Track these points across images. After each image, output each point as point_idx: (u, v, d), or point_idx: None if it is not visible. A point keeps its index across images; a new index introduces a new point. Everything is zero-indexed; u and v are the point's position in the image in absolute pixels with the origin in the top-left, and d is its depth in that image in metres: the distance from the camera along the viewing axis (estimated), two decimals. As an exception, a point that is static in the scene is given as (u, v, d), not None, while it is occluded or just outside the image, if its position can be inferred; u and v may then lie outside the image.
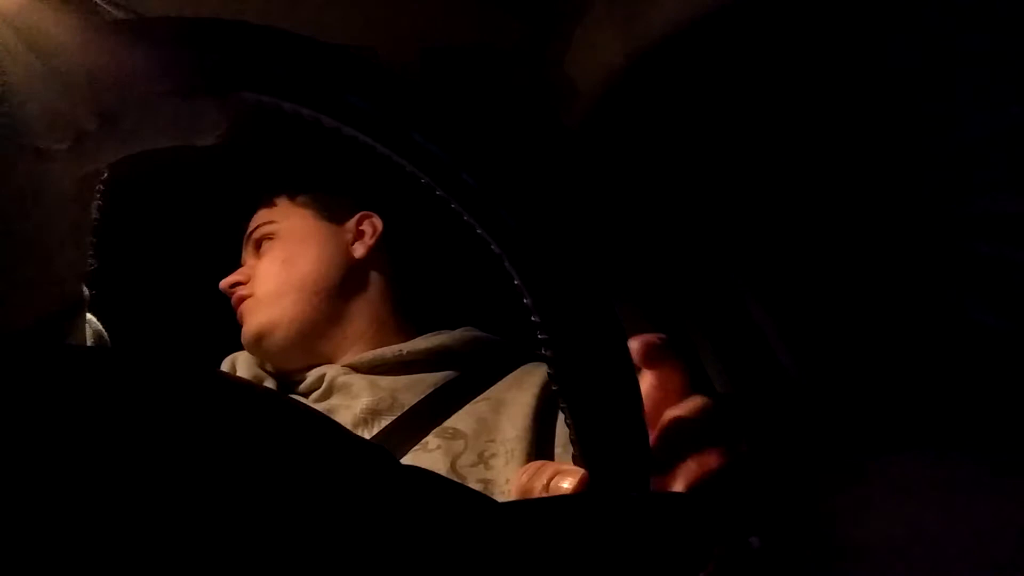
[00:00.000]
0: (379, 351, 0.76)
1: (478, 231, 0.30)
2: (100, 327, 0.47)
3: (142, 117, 0.31)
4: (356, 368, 0.75)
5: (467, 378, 0.74)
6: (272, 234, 0.82)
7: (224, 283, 0.82)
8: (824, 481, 0.29)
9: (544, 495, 0.30)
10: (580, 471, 0.29)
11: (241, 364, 0.80)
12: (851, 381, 0.65)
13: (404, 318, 0.82)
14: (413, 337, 0.79)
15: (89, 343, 0.42)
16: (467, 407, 0.71)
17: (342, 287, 0.79)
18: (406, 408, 0.70)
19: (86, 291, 0.36)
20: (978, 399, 0.58)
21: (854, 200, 0.70)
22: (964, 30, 0.58)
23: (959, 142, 0.61)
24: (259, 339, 0.77)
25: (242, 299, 0.80)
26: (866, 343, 0.67)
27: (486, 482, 0.63)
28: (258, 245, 0.83)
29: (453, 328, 0.81)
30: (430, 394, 0.72)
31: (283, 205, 0.84)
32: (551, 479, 0.30)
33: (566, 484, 0.29)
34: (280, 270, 0.79)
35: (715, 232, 0.79)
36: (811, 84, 0.67)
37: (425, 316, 0.84)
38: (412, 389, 0.73)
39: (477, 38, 0.79)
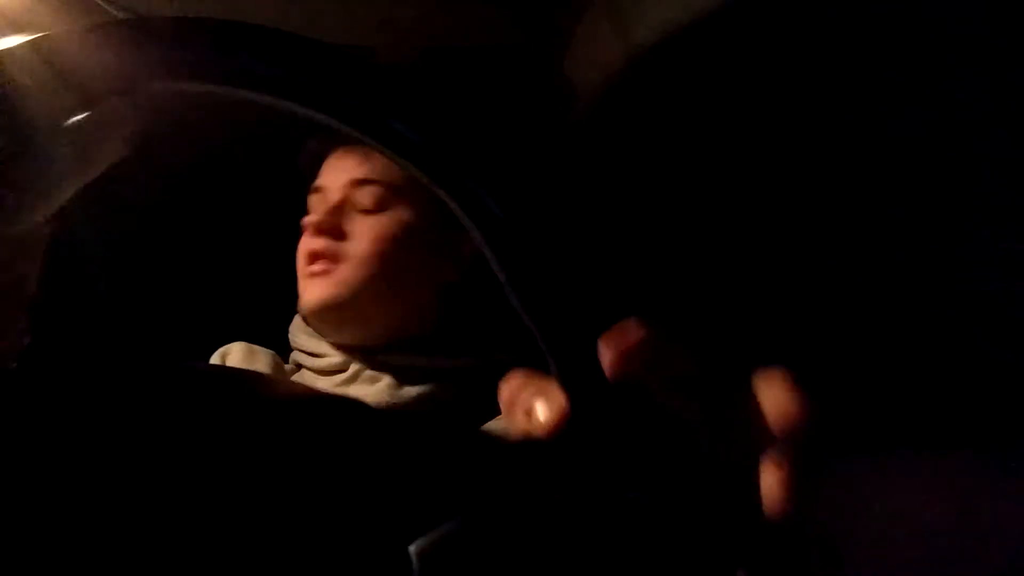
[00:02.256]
0: (416, 358, 0.75)
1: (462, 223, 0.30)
2: None
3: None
4: (385, 364, 0.75)
5: (485, 400, 0.74)
6: (379, 203, 0.75)
7: (316, 243, 0.74)
8: (824, 481, 0.29)
9: (525, 422, 0.29)
10: (559, 401, 0.28)
11: (236, 353, 0.79)
12: (852, 383, 0.65)
13: (443, 326, 0.80)
14: (446, 345, 0.77)
15: None
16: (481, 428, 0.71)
17: (419, 291, 0.78)
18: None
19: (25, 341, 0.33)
20: (977, 401, 0.58)
21: (854, 206, 0.70)
22: (965, 55, 0.58)
23: (968, 178, 0.61)
24: (330, 310, 0.74)
25: (328, 268, 0.74)
26: (864, 346, 0.67)
27: None
28: (357, 202, 0.76)
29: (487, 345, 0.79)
30: (447, 412, 0.72)
31: (390, 174, 0.76)
32: (531, 405, 0.29)
33: (543, 416, 0.28)
34: (378, 258, 0.74)
35: (711, 232, 0.79)
36: (811, 86, 0.67)
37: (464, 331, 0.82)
38: (432, 402, 0.73)
39: (477, 38, 0.79)
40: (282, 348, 0.82)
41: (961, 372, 0.60)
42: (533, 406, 0.29)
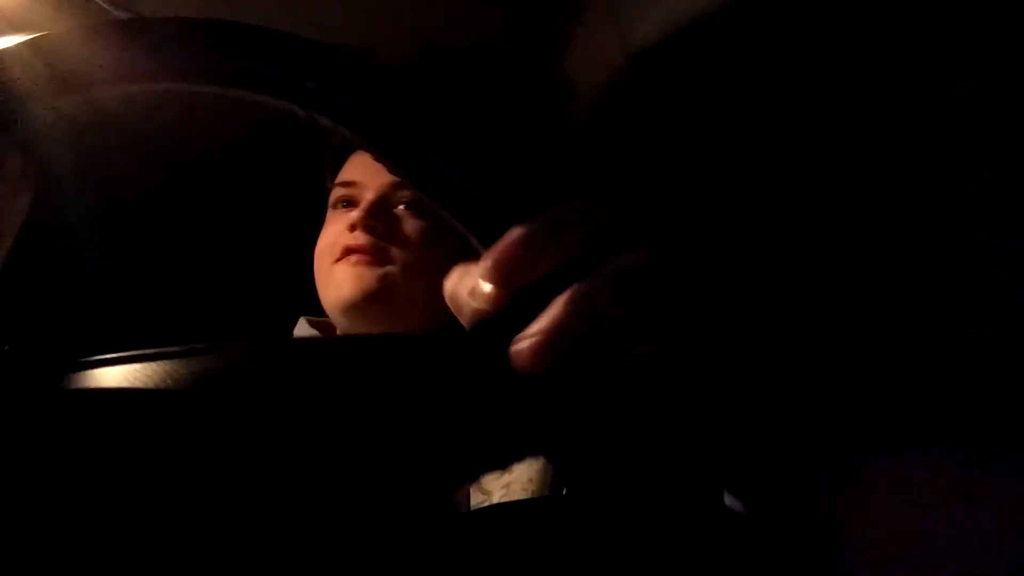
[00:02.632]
0: None
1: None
2: None
3: None
4: None
5: None
6: (421, 207, 0.74)
7: (361, 240, 0.72)
8: (823, 481, 0.29)
9: (471, 302, 0.29)
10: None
11: None
12: (850, 382, 0.65)
13: (452, 328, 0.80)
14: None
15: None
16: None
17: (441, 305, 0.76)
18: None
19: None
20: (977, 400, 0.58)
21: (854, 207, 0.70)
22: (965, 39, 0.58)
23: (969, 175, 0.61)
24: (372, 302, 0.72)
25: (374, 260, 0.72)
26: (864, 346, 0.67)
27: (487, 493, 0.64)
28: (396, 203, 0.74)
29: None
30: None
31: None
32: (472, 284, 0.29)
33: (486, 287, 0.28)
34: (425, 264, 0.73)
35: (712, 230, 0.79)
36: (811, 84, 0.67)
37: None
38: None
39: (477, 38, 0.79)
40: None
41: (962, 371, 0.60)
42: (475, 284, 0.29)
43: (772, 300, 0.72)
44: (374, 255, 0.72)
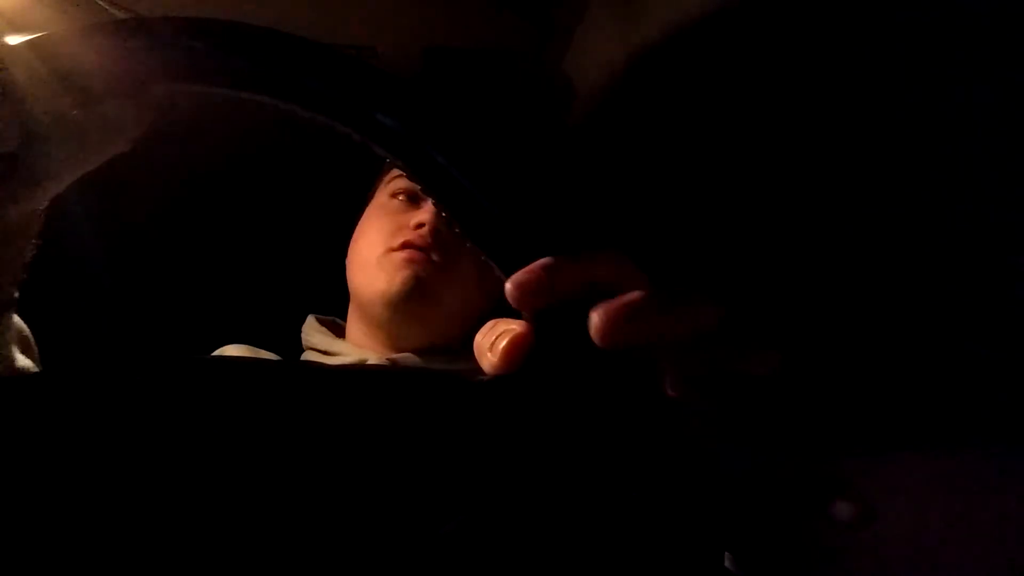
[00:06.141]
0: (437, 362, 0.74)
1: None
2: (23, 325, 0.47)
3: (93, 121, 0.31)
4: (399, 364, 0.74)
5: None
6: None
7: (430, 239, 0.72)
8: (823, 481, 0.29)
9: (491, 358, 0.30)
10: (516, 330, 0.30)
11: (235, 354, 0.79)
12: (851, 382, 0.65)
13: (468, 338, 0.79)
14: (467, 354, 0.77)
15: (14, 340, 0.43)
16: None
17: (483, 309, 0.76)
18: None
19: (15, 293, 0.38)
20: (978, 399, 0.58)
21: (855, 206, 0.70)
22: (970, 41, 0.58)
23: (968, 182, 0.61)
24: (421, 299, 0.72)
25: (433, 262, 0.72)
26: (865, 347, 0.67)
27: None
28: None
29: None
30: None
31: None
32: (498, 337, 0.30)
33: (502, 344, 0.30)
34: (477, 283, 0.74)
35: (714, 232, 0.79)
36: (812, 85, 0.67)
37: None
38: None
39: (477, 38, 0.79)
40: (284, 353, 0.82)
41: (962, 373, 0.60)
42: (496, 341, 0.30)
43: (788, 304, 0.72)
44: (435, 258, 0.71)
